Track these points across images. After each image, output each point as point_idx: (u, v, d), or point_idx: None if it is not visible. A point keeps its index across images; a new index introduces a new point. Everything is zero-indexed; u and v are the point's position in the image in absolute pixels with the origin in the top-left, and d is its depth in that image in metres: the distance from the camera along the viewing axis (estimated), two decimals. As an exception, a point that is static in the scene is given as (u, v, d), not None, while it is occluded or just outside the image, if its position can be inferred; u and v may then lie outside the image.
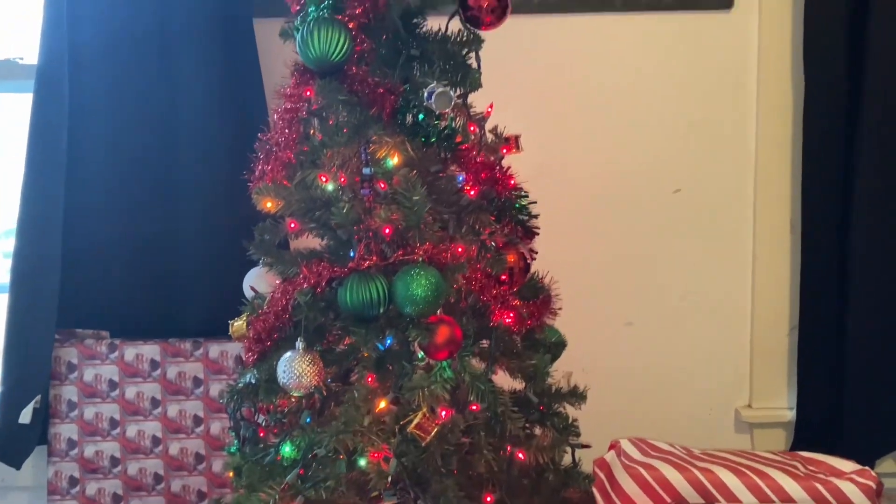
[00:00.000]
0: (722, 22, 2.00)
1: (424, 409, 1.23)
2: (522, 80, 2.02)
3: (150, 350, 1.99)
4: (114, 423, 1.97)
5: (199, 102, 1.95)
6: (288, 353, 1.30)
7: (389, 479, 1.21)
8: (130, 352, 1.98)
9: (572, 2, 1.97)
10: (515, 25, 1.98)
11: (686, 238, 2.07)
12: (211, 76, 1.95)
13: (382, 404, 1.27)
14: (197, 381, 1.98)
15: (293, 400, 1.37)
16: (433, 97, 1.27)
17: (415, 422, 1.22)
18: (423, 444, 1.23)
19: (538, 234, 1.56)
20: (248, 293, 1.58)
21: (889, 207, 1.90)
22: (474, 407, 1.31)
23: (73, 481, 1.96)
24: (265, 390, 1.35)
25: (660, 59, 2.02)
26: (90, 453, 1.96)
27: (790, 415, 2.05)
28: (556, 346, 1.58)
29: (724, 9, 1.99)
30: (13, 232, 1.96)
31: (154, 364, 1.98)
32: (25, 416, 1.94)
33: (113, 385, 1.98)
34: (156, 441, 1.97)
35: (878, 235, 1.90)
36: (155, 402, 1.98)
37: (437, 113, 1.31)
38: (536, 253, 1.59)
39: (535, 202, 1.51)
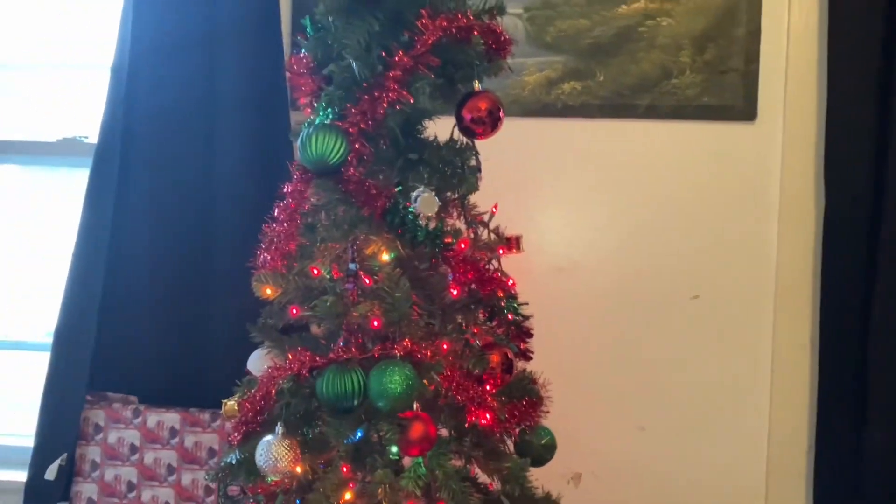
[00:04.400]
0: (745, 132, 2.02)
1: (385, 504, 1.25)
2: (543, 182, 2.07)
3: (171, 418, 2.07)
4: (131, 487, 2.05)
5: (237, 193, 2.06)
6: (267, 437, 1.36)
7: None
8: (153, 418, 2.08)
9: (595, 107, 2.03)
10: (539, 128, 2.07)
11: (703, 346, 2.05)
12: (250, 161, 2.07)
13: (348, 495, 1.30)
14: (212, 452, 2.05)
15: (273, 483, 1.41)
16: (418, 200, 1.34)
17: (374, 516, 1.25)
18: (382, 540, 1.25)
19: (532, 335, 1.58)
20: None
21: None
22: (441, 504, 1.33)
23: (89, 540, 2.04)
24: (247, 471, 1.40)
25: (682, 165, 2.04)
26: (107, 514, 2.05)
27: (806, 535, 1.97)
28: (546, 449, 1.57)
29: (748, 120, 2.01)
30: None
31: (173, 432, 2.07)
32: (51, 473, 2.04)
33: (134, 449, 2.06)
34: (168, 508, 2.04)
35: (898, 356, 1.85)
36: (171, 470, 2.05)
37: (427, 215, 1.38)
38: (532, 353, 1.61)
39: (527, 303, 1.54)
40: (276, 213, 1.42)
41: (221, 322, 2.09)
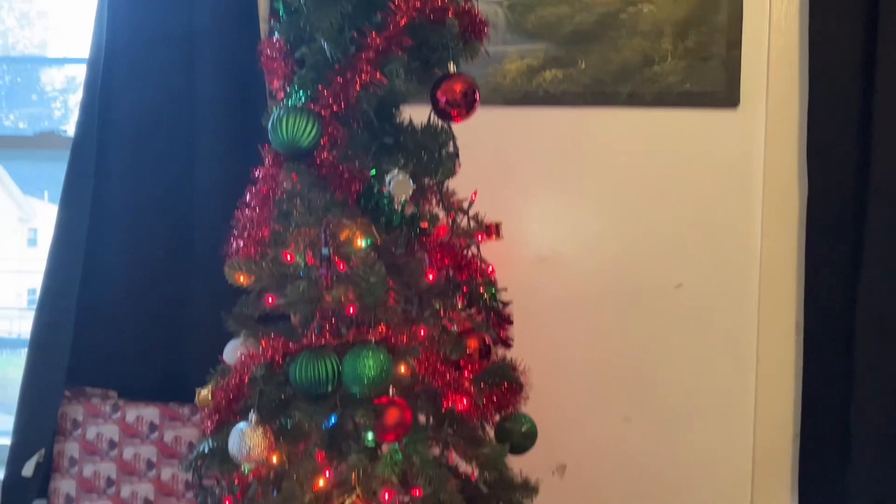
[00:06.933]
0: (728, 119, 2.00)
1: (358, 490, 1.23)
2: (525, 171, 2.05)
3: (151, 413, 2.05)
4: (110, 482, 2.02)
5: (217, 186, 2.03)
6: (240, 425, 1.33)
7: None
8: (132, 413, 2.05)
9: (576, 95, 2.01)
10: (520, 116, 2.05)
11: (687, 335, 2.03)
12: (229, 155, 2.05)
13: (321, 482, 1.28)
14: (191, 447, 2.01)
15: (249, 473, 1.39)
16: (392, 183, 1.32)
17: (346, 503, 1.22)
18: (355, 526, 1.23)
19: (512, 321, 1.56)
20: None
21: (894, 312, 1.83)
22: (417, 492, 1.31)
23: (67, 537, 2.01)
24: (220, 460, 1.37)
25: (664, 153, 2.03)
26: (86, 510, 2.01)
27: (793, 525, 1.96)
28: (526, 436, 1.55)
29: (730, 107, 2.00)
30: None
31: (153, 427, 2.04)
32: (28, 469, 2.01)
33: (112, 444, 2.04)
34: None
35: (883, 343, 1.83)
36: (150, 465, 2.02)
37: (402, 199, 1.36)
38: (512, 340, 1.59)
39: (506, 289, 1.52)
40: (247, 199, 1.39)
41: (201, 316, 2.07)
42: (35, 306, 2.07)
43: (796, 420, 1.96)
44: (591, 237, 2.07)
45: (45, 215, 2.58)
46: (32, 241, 2.69)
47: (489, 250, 1.59)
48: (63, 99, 2.58)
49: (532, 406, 1.59)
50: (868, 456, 1.83)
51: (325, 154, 1.36)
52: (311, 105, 1.35)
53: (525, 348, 1.60)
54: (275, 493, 1.43)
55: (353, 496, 1.23)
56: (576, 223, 2.07)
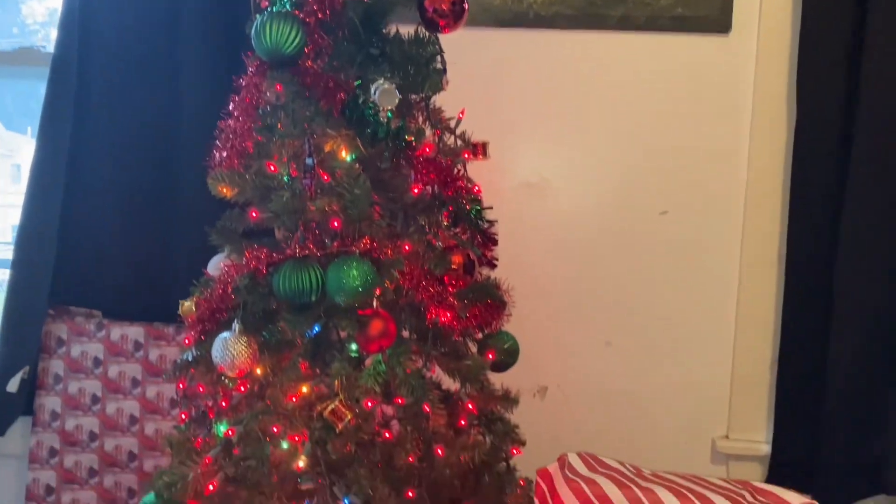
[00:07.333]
0: (719, 45, 1.98)
1: (341, 397, 1.24)
2: (513, 95, 2.03)
3: (135, 332, 2.05)
4: (95, 400, 2.04)
5: (201, 103, 1.99)
6: (224, 334, 1.34)
7: (303, 463, 1.23)
8: (116, 332, 2.05)
9: (567, 18, 1.98)
10: (509, 38, 2.02)
11: (670, 261, 2.04)
12: (214, 75, 2.01)
13: (304, 389, 1.29)
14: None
15: (229, 381, 1.40)
16: (378, 93, 1.30)
17: (329, 408, 1.24)
18: (337, 431, 1.25)
19: (497, 241, 1.57)
20: (213, 278, 1.62)
21: (876, 245, 1.84)
22: (399, 400, 1.33)
23: (52, 452, 2.03)
24: (204, 368, 1.38)
25: (654, 79, 2.01)
26: (71, 426, 2.03)
27: (767, 448, 2.00)
28: (508, 353, 1.57)
29: (721, 32, 1.97)
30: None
31: (137, 345, 2.05)
32: (13, 386, 2.02)
33: (97, 363, 2.05)
34: (133, 420, 2.03)
35: (863, 273, 1.85)
36: (135, 382, 2.04)
37: (388, 110, 1.34)
38: (497, 260, 1.60)
39: (491, 207, 1.52)
40: (230, 108, 1.37)
41: (185, 236, 2.06)
42: (18, 225, 2.05)
43: (775, 347, 1.98)
44: (578, 163, 2.06)
45: (28, 151, 2.55)
46: (16, 178, 2.67)
47: (476, 176, 1.58)
48: (45, 33, 2.52)
49: (514, 328, 1.60)
50: (843, 383, 1.86)
51: (309, 63, 1.34)
52: (296, 11, 1.32)
53: (509, 272, 1.60)
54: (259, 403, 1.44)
55: (336, 402, 1.24)
56: (563, 148, 2.06)
